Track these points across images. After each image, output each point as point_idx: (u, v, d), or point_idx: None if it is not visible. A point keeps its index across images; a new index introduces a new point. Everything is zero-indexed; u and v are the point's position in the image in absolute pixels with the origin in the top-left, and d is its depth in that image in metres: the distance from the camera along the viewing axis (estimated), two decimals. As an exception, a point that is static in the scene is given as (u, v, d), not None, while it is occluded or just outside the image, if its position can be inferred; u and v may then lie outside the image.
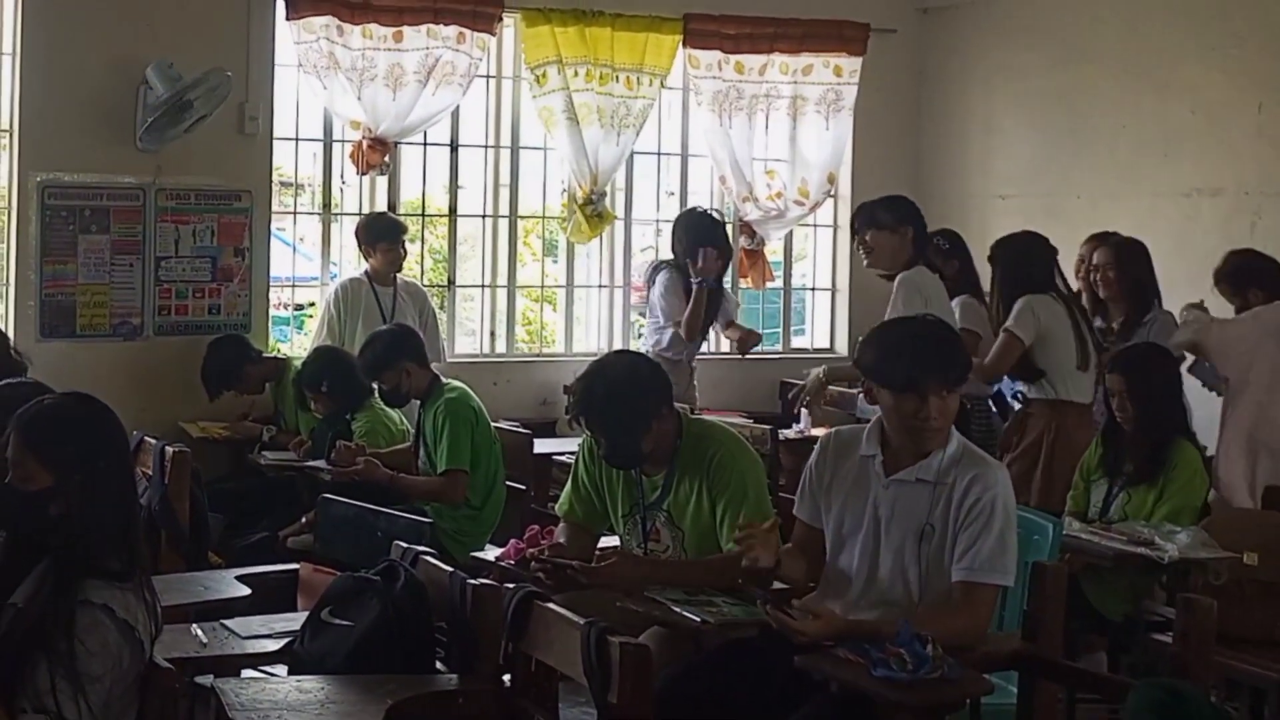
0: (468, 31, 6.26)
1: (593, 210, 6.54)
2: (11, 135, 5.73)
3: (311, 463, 5.15)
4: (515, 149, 6.69)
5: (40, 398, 2.61)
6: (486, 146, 6.67)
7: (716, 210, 6.35)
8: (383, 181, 6.38)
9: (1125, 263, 4.97)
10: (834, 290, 7.37)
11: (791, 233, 7.31)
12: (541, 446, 5.31)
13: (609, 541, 3.57)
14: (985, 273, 5.24)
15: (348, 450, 4.86)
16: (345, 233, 6.31)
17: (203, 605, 3.48)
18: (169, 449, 4.37)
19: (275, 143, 6.16)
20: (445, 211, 6.75)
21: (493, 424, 4.90)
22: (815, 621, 2.75)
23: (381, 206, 6.35)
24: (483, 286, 6.76)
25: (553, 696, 2.96)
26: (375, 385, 4.97)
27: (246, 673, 3.18)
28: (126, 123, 5.68)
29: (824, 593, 3.04)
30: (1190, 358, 4.75)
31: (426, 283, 6.58)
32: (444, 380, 4.87)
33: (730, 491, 3.27)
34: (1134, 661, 3.94)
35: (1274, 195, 5.81)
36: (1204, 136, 6.06)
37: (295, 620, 3.27)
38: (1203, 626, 2.69)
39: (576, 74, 6.47)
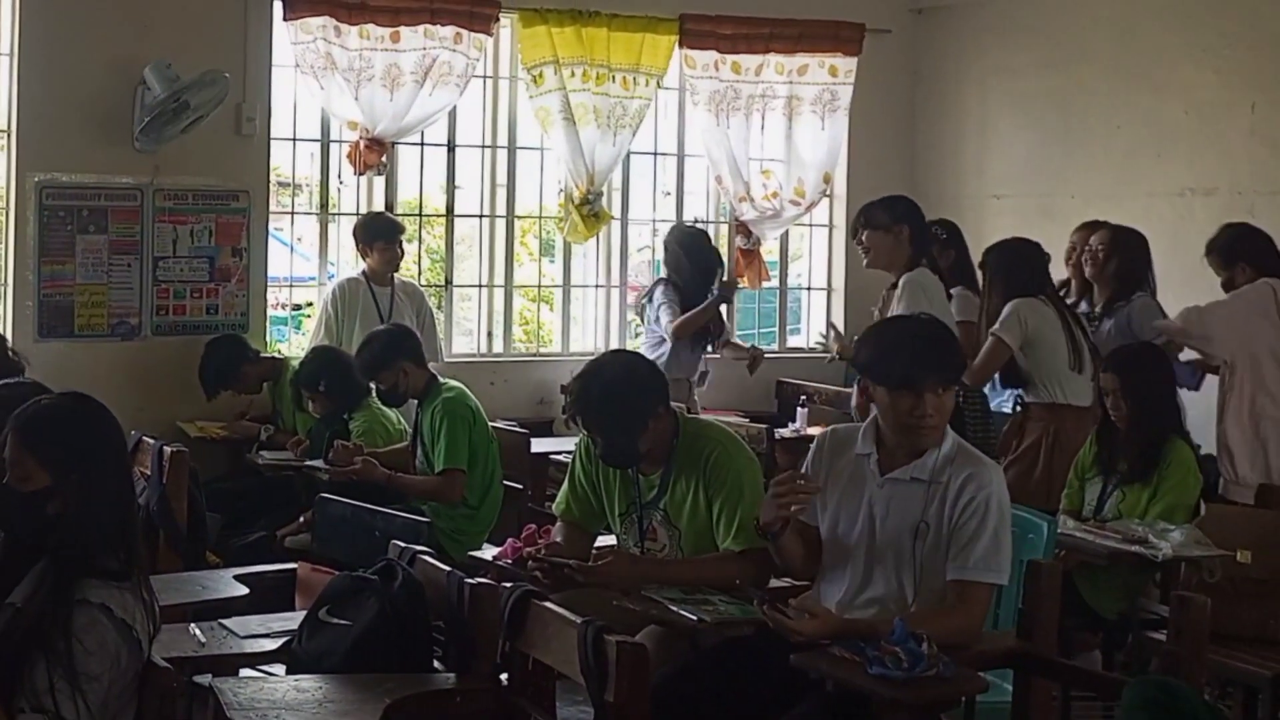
0: (465, 32, 6.26)
1: (589, 210, 6.55)
2: (9, 135, 5.73)
3: (309, 462, 5.16)
4: (512, 149, 6.70)
5: (38, 398, 2.61)
6: (483, 147, 6.68)
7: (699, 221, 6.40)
8: (380, 181, 6.39)
9: (1119, 248, 5.00)
10: (829, 290, 7.38)
11: (787, 232, 7.32)
12: (538, 446, 5.32)
13: (606, 540, 3.58)
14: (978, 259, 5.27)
15: (345, 450, 4.87)
16: (343, 233, 6.32)
17: (201, 605, 3.49)
18: (167, 449, 4.37)
19: (273, 143, 6.17)
20: (442, 211, 6.76)
21: (490, 423, 4.91)
22: (811, 620, 2.76)
23: (379, 206, 6.36)
24: (480, 286, 6.77)
25: (550, 695, 2.97)
26: (373, 385, 4.98)
27: (245, 672, 3.20)
28: (124, 123, 5.69)
29: (819, 591, 3.05)
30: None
31: (424, 282, 6.59)
32: (441, 380, 4.88)
33: (727, 490, 3.27)
34: (1128, 659, 3.96)
35: (1267, 194, 5.83)
36: (1197, 136, 6.08)
37: (293, 620, 3.28)
38: (1196, 624, 2.70)
39: (573, 74, 6.49)
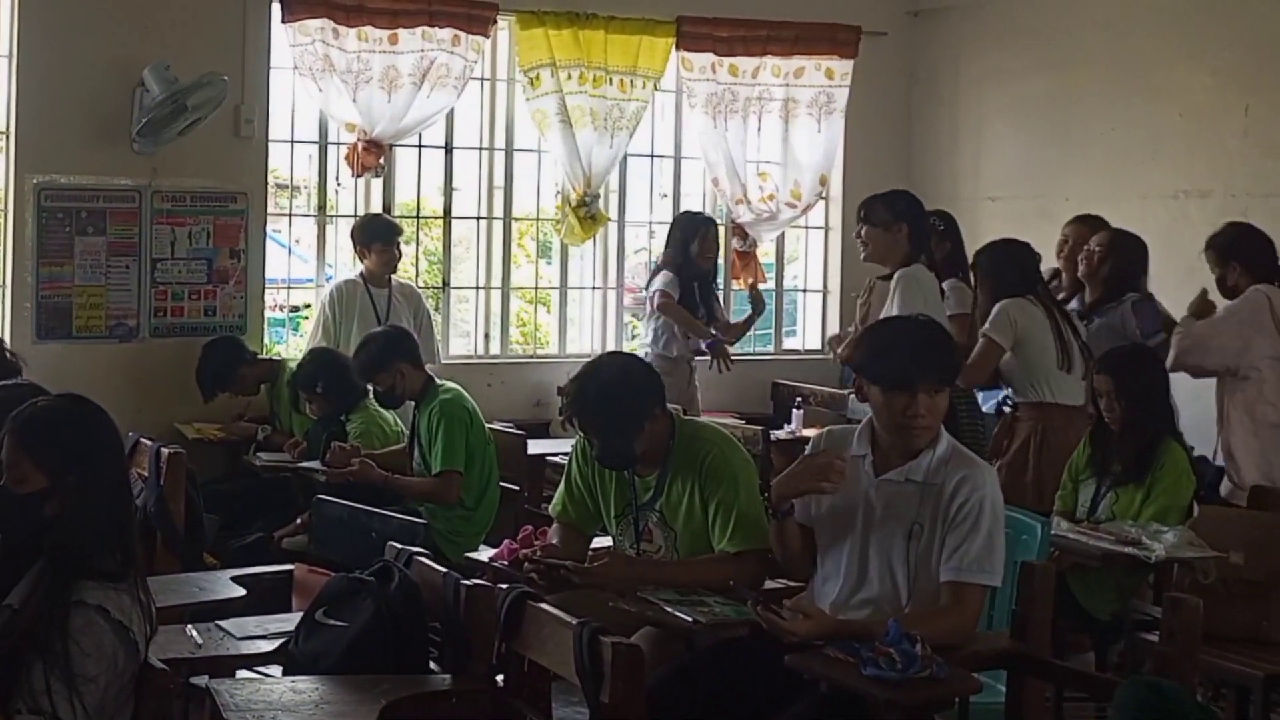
0: (462, 34, 6.28)
1: (586, 212, 6.57)
2: (8, 137, 5.74)
3: (306, 464, 5.17)
4: (509, 151, 6.71)
5: (35, 399, 2.61)
6: (481, 149, 6.69)
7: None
8: (378, 183, 6.40)
9: (1115, 250, 5.01)
10: (825, 292, 7.40)
11: (784, 234, 7.34)
12: (535, 447, 5.33)
13: (602, 542, 3.59)
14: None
15: (342, 451, 4.88)
16: (340, 235, 6.33)
17: (198, 606, 3.50)
18: (164, 450, 4.38)
19: (271, 145, 6.18)
20: (440, 213, 6.77)
21: (487, 425, 4.92)
22: (805, 621, 2.77)
23: (376, 208, 6.37)
24: (477, 288, 6.79)
25: (545, 696, 2.98)
26: (370, 386, 4.99)
27: (241, 673, 3.20)
28: (123, 125, 5.70)
29: (813, 592, 3.07)
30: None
31: (421, 284, 6.60)
32: (438, 381, 4.89)
33: (722, 492, 3.28)
34: (1121, 660, 3.97)
35: (1261, 196, 5.85)
36: (1192, 139, 6.10)
37: (290, 621, 3.29)
38: (1189, 625, 2.71)
39: (570, 77, 6.50)
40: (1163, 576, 3.91)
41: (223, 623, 3.34)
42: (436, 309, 6.57)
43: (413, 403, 4.88)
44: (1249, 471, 4.49)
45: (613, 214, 6.86)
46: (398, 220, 6.25)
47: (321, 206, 6.43)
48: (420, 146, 6.53)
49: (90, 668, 2.34)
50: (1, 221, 5.81)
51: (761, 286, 7.15)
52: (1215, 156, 6.02)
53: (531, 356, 6.93)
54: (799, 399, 6.39)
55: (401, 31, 6.18)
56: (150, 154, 5.78)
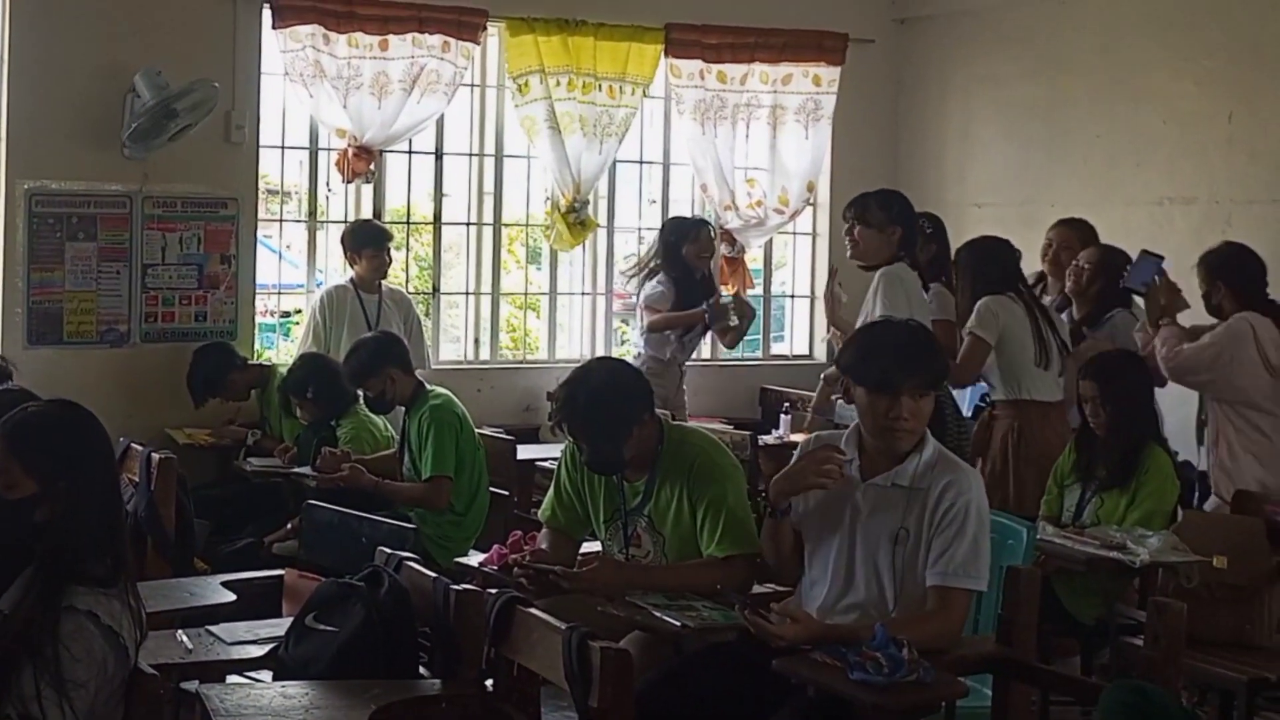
0: (452, 40, 6.30)
1: (576, 218, 6.59)
2: (-1, 142, 5.76)
3: (297, 469, 5.17)
4: (499, 157, 6.73)
5: (25, 405, 2.60)
6: (471, 155, 6.71)
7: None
8: (368, 189, 6.42)
9: (1105, 270, 5.03)
10: (813, 297, 7.42)
11: (771, 240, 7.37)
12: (525, 452, 5.35)
13: (591, 547, 3.60)
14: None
15: (333, 456, 4.89)
16: (331, 240, 6.34)
17: (188, 611, 3.51)
18: (155, 455, 4.39)
19: (261, 150, 6.19)
20: (430, 219, 6.79)
21: (476, 430, 4.94)
22: (792, 626, 2.78)
23: (367, 214, 6.38)
24: (467, 293, 6.80)
25: (535, 701, 2.99)
26: (360, 392, 5.00)
27: (231, 678, 3.20)
28: (114, 131, 5.70)
29: (801, 596, 3.09)
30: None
31: (411, 290, 6.61)
32: (428, 387, 4.90)
33: (710, 497, 3.29)
34: (1107, 664, 4.00)
35: (1245, 203, 5.89)
36: (1176, 145, 6.14)
37: (280, 626, 3.30)
38: (1173, 629, 2.74)
39: (559, 83, 6.52)
40: (1148, 581, 3.94)
41: (213, 628, 3.35)
42: (426, 314, 6.58)
43: (403, 408, 4.89)
44: (1229, 492, 4.49)
45: (602, 220, 6.88)
46: (388, 226, 6.26)
47: (312, 212, 6.44)
48: (410, 152, 6.54)
49: (80, 673, 2.34)
50: (-8, 227, 5.82)
51: (750, 292, 7.19)
52: (1199, 163, 6.07)
53: (521, 362, 6.95)
54: (787, 404, 6.42)
55: (392, 38, 6.20)
56: (141, 159, 5.78)
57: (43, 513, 2.44)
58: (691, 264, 6.10)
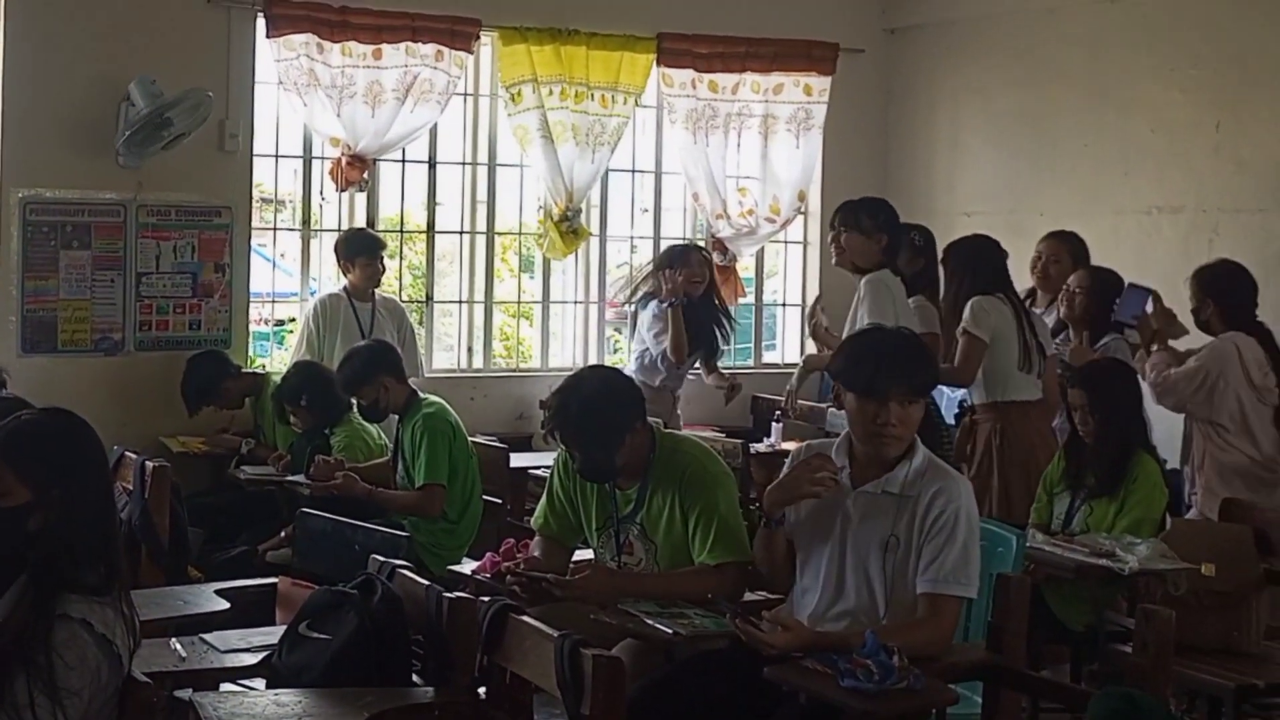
0: (446, 49, 6.32)
1: (568, 227, 6.60)
2: (-8, 151, 5.76)
3: (290, 477, 5.18)
4: (492, 166, 6.75)
5: (18, 413, 2.60)
6: (464, 163, 6.73)
7: (691, 240, 6.47)
8: (362, 198, 6.43)
9: (1097, 293, 5.07)
10: (804, 306, 7.43)
11: (763, 249, 7.39)
12: (517, 461, 5.35)
13: (584, 554, 3.62)
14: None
15: (326, 465, 4.90)
16: (325, 249, 6.35)
17: (182, 619, 3.51)
18: (149, 464, 4.40)
19: (255, 159, 6.20)
20: (423, 228, 6.80)
21: (470, 438, 4.95)
22: (784, 633, 2.80)
23: (360, 223, 6.40)
24: (460, 302, 6.82)
25: (527, 708, 3.01)
26: (353, 400, 5.01)
27: (225, 686, 3.21)
28: (108, 139, 5.71)
29: (792, 604, 3.10)
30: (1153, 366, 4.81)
31: (405, 298, 6.62)
32: (422, 395, 4.92)
33: (702, 505, 3.30)
34: (1096, 671, 4.02)
35: (1232, 212, 5.93)
36: (1164, 155, 6.17)
37: (273, 634, 3.30)
38: (1161, 636, 2.76)
39: (551, 92, 6.54)
40: (1136, 588, 3.96)
41: (207, 636, 3.35)
42: (420, 323, 6.60)
43: (396, 416, 4.91)
44: (1214, 512, 4.53)
45: (594, 229, 6.90)
46: (381, 234, 6.27)
47: (306, 221, 6.45)
48: (404, 161, 6.56)
49: (74, 681, 2.34)
50: (-14, 235, 5.82)
51: (741, 301, 7.22)
52: (1187, 172, 6.10)
53: (514, 370, 6.96)
54: (778, 412, 6.42)
55: (385, 47, 6.22)
56: (135, 168, 5.79)
57: (36, 521, 2.43)
58: (685, 291, 6.08)
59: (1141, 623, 2.80)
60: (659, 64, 6.81)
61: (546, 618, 2.95)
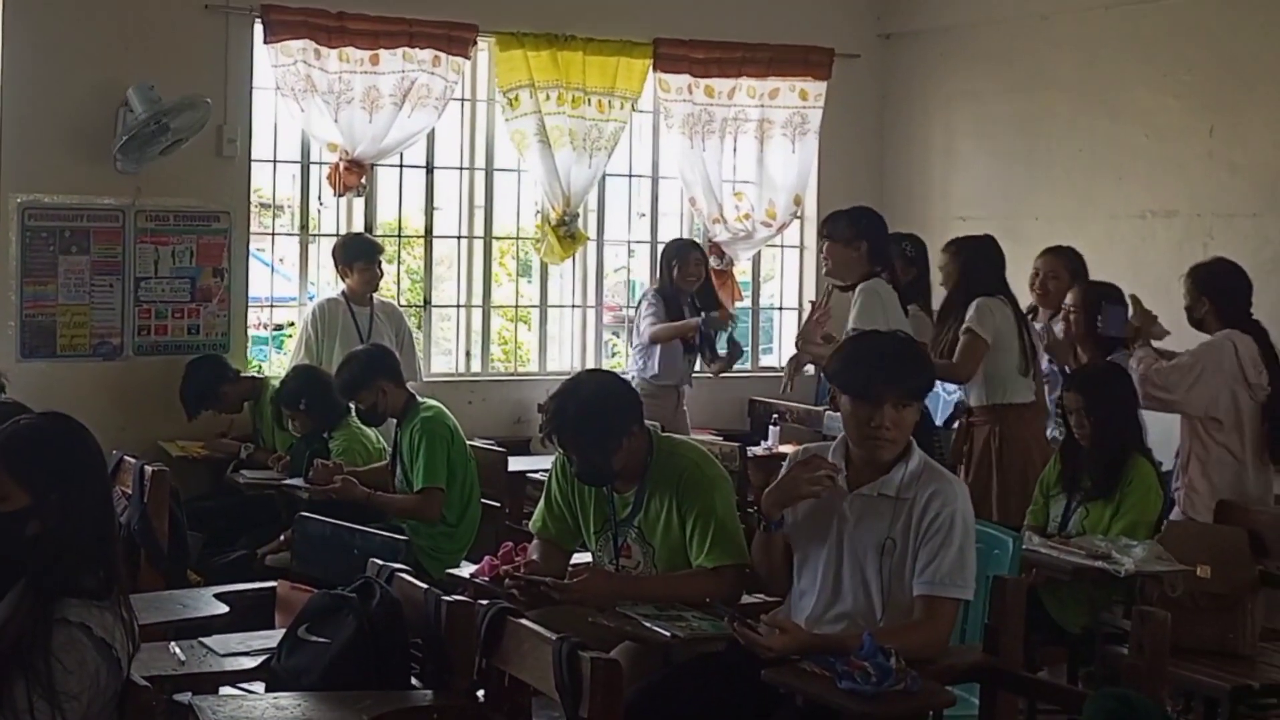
0: (443, 55, 6.33)
1: (565, 231, 6.62)
2: (-9, 157, 5.77)
3: (289, 481, 5.19)
4: (490, 171, 6.77)
5: (17, 418, 2.60)
6: (461, 168, 6.75)
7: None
8: (360, 203, 6.45)
9: (1090, 309, 5.05)
10: (800, 310, 7.44)
11: (759, 253, 7.41)
12: (515, 464, 5.37)
13: (581, 558, 3.63)
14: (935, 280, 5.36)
15: (325, 468, 4.91)
16: (323, 253, 6.37)
17: (181, 623, 3.52)
18: (148, 468, 4.41)
19: (253, 164, 6.22)
20: (421, 232, 6.81)
21: (468, 442, 4.96)
22: (781, 636, 2.81)
23: (358, 227, 6.42)
24: (458, 306, 6.83)
25: (526, 711, 3.02)
26: (352, 404, 5.02)
27: (224, 690, 3.22)
28: (107, 145, 5.72)
29: (789, 607, 3.12)
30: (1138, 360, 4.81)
31: (403, 303, 6.63)
32: (420, 399, 4.93)
33: (700, 508, 3.31)
34: (1092, 672, 4.03)
35: (1225, 216, 5.95)
36: (1157, 159, 6.20)
37: (273, 637, 3.30)
38: (1157, 638, 2.77)
39: (548, 97, 6.56)
40: (1132, 590, 3.97)
41: (206, 640, 3.36)
42: (418, 327, 6.61)
43: (394, 420, 4.92)
44: (1203, 513, 4.54)
45: (591, 233, 6.92)
46: (379, 239, 6.29)
47: (304, 226, 6.47)
48: (401, 166, 6.58)
49: (73, 685, 2.34)
50: (-15, 240, 5.83)
51: (738, 305, 7.24)
52: (1180, 177, 6.12)
53: (512, 374, 6.98)
54: (775, 416, 6.45)
55: (383, 52, 6.24)
56: (134, 173, 5.80)
57: (35, 525, 2.43)
58: (677, 284, 6.17)
59: (1138, 624, 2.81)
60: (655, 69, 6.83)
61: (545, 621, 2.96)
